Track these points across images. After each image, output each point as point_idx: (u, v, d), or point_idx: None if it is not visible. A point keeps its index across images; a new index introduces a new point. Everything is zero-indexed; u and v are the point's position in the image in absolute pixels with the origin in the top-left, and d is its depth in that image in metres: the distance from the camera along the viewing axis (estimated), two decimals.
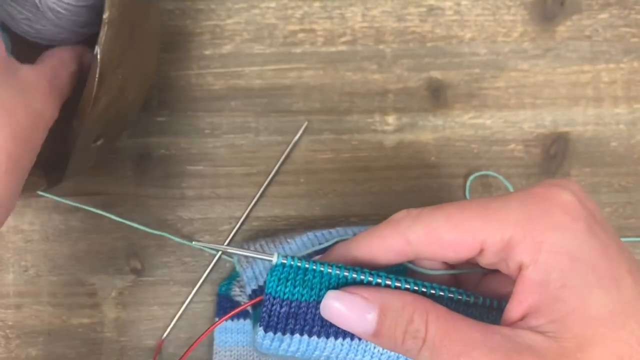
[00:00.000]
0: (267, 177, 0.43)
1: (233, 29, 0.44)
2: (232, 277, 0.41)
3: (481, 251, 0.29)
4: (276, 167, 0.43)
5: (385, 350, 0.30)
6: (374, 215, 0.44)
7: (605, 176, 0.44)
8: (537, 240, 0.27)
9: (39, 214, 0.43)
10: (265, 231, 0.43)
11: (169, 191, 0.43)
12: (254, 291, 0.37)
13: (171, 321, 0.42)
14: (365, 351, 0.30)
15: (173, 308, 0.42)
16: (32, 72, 0.33)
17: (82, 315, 0.42)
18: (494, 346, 0.26)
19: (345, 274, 0.30)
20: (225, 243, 0.42)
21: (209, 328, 0.33)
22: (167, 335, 0.42)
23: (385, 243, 0.31)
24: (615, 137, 0.45)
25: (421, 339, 0.27)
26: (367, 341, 0.30)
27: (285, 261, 0.30)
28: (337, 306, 0.29)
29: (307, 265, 0.30)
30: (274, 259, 0.30)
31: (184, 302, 0.42)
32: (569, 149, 0.45)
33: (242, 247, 0.41)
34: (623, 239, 0.44)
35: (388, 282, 0.30)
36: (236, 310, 0.33)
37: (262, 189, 0.43)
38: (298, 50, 0.44)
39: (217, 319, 0.41)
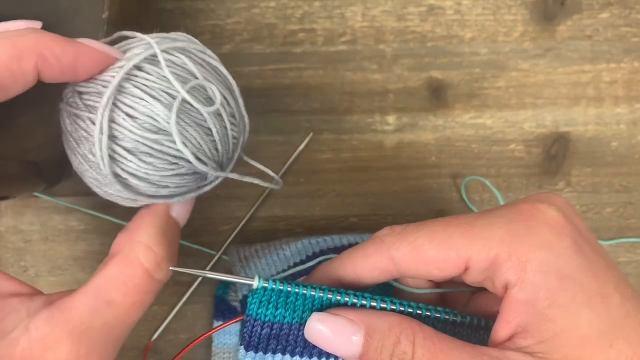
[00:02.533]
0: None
1: (233, 29, 0.44)
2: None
3: (466, 269, 0.29)
4: (281, 173, 0.43)
5: None
6: (374, 216, 0.43)
7: (606, 176, 0.44)
8: (522, 259, 0.27)
9: (39, 214, 0.43)
10: (265, 231, 0.43)
11: None
12: (244, 297, 0.37)
13: (170, 321, 0.42)
14: None
15: (172, 308, 0.42)
16: None
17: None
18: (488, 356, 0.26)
19: (329, 296, 0.30)
20: (226, 244, 0.42)
21: (196, 339, 0.33)
22: (159, 336, 0.42)
23: (369, 261, 0.30)
24: (615, 137, 0.45)
25: None
26: None
27: (266, 285, 0.30)
28: (321, 329, 0.28)
29: (289, 289, 0.30)
30: (255, 283, 0.30)
31: (183, 302, 0.42)
32: (570, 149, 0.45)
33: (237, 252, 0.40)
34: (623, 239, 0.44)
35: (373, 304, 0.29)
36: (218, 328, 0.33)
37: (263, 196, 0.43)
38: (298, 50, 0.44)
39: (214, 321, 0.41)
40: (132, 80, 0.29)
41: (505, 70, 0.45)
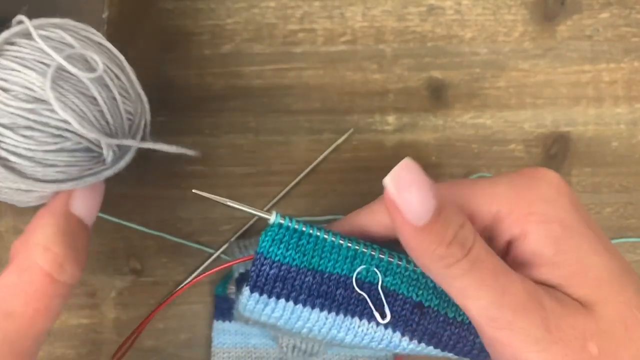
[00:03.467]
0: (266, 178, 0.43)
1: (233, 29, 0.44)
2: (228, 277, 0.41)
3: None
4: (310, 167, 0.43)
5: (369, 331, 0.30)
6: None
7: (606, 176, 0.44)
8: (525, 211, 0.28)
9: None
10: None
11: (168, 191, 0.43)
12: (241, 274, 0.37)
13: (169, 321, 0.42)
14: (349, 329, 0.30)
15: (172, 308, 0.42)
16: None
17: (81, 315, 0.42)
18: (526, 279, 0.26)
19: (341, 242, 0.30)
20: (225, 245, 0.42)
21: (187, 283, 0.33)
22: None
23: (375, 217, 0.31)
24: (616, 137, 0.45)
25: (467, 248, 0.26)
26: (351, 319, 0.30)
27: (283, 221, 0.30)
28: (406, 174, 0.26)
29: (304, 229, 0.30)
30: (272, 218, 0.30)
31: (183, 302, 0.42)
32: (570, 149, 0.45)
33: (237, 244, 0.40)
34: (623, 239, 0.44)
35: (382, 256, 0.30)
36: (225, 265, 0.32)
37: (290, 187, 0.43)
38: (298, 50, 0.44)
39: (214, 321, 0.41)
40: (3, 55, 0.27)
41: (505, 70, 0.45)
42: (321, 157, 0.43)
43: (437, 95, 0.44)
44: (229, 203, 0.30)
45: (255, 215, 0.31)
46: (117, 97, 0.29)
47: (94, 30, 0.30)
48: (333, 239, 0.30)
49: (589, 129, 0.45)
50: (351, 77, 0.44)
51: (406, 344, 0.30)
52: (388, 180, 0.25)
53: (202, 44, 0.44)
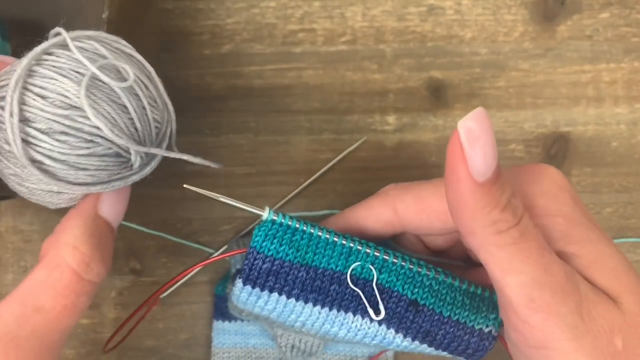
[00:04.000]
0: (266, 178, 0.43)
1: (233, 29, 0.44)
2: (227, 277, 0.41)
3: None
4: (320, 172, 0.43)
5: (362, 327, 0.30)
6: None
7: (606, 176, 0.44)
8: (527, 206, 0.27)
9: (39, 214, 0.43)
10: None
11: (168, 191, 0.43)
12: (238, 270, 0.37)
13: (169, 321, 0.42)
14: (342, 324, 0.30)
15: (172, 308, 0.42)
16: None
17: (81, 315, 0.42)
18: (564, 263, 0.26)
19: (335, 239, 0.30)
20: (225, 246, 0.42)
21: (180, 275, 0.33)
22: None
23: (373, 213, 0.31)
24: (616, 137, 0.45)
25: (518, 217, 0.25)
26: (345, 314, 0.30)
27: (276, 217, 0.30)
28: (483, 129, 0.26)
29: (297, 225, 0.30)
30: (265, 214, 0.30)
31: (183, 302, 0.42)
32: (570, 149, 0.45)
33: (237, 242, 0.41)
34: (623, 239, 0.44)
35: (377, 254, 0.30)
36: (219, 257, 0.33)
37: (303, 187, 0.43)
38: (298, 50, 0.44)
39: (214, 321, 0.41)
40: (41, 64, 0.29)
41: (505, 70, 0.45)
42: (332, 162, 0.43)
43: (437, 95, 0.44)
44: (221, 199, 0.31)
45: (247, 210, 0.31)
46: (146, 106, 0.30)
47: (125, 42, 0.31)
48: (327, 236, 0.30)
49: (589, 129, 0.45)
50: (351, 77, 0.44)
51: (400, 341, 0.31)
52: (461, 128, 0.25)
53: (202, 44, 0.44)
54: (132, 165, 0.31)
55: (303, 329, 0.31)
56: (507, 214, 0.25)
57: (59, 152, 0.28)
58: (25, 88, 0.28)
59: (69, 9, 0.34)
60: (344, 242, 0.30)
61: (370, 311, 0.30)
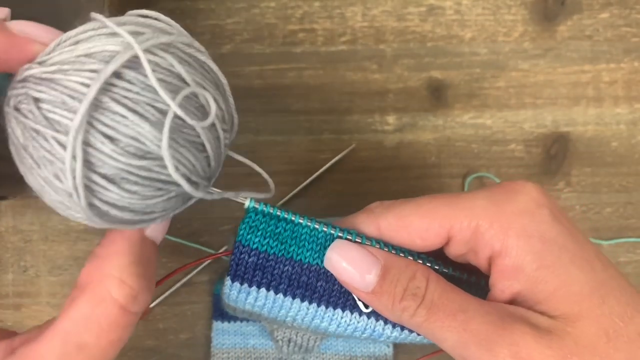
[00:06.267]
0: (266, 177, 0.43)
1: (233, 29, 0.44)
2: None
3: (449, 241, 0.29)
4: (309, 180, 0.43)
5: (352, 322, 0.31)
6: None
7: (606, 176, 0.44)
8: (504, 225, 0.28)
9: (39, 214, 0.43)
10: None
11: None
12: (226, 269, 0.37)
13: (169, 321, 0.42)
14: (332, 320, 0.31)
15: (172, 308, 0.42)
16: None
17: None
18: (489, 310, 0.27)
19: (316, 226, 0.30)
20: (224, 247, 0.42)
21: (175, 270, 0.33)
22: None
23: (358, 229, 0.31)
24: (615, 137, 0.45)
25: (420, 297, 0.28)
26: (334, 310, 0.30)
27: (257, 206, 0.30)
28: (338, 258, 0.29)
29: (278, 213, 0.30)
30: (246, 203, 0.30)
31: (183, 302, 0.42)
32: (570, 149, 0.45)
33: (230, 242, 0.41)
34: (623, 239, 0.44)
35: (367, 243, 0.30)
36: (208, 258, 0.33)
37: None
38: (298, 50, 0.44)
39: (214, 321, 0.41)
40: (109, 92, 0.23)
41: (505, 70, 0.45)
42: (319, 171, 0.43)
43: (437, 95, 0.44)
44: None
45: (232, 199, 0.30)
46: (221, 135, 0.26)
47: (197, 44, 0.27)
48: (308, 223, 0.30)
49: (588, 129, 0.45)
50: (351, 77, 0.44)
51: (390, 332, 0.31)
52: (327, 265, 0.29)
53: (202, 44, 0.44)
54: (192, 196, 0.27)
55: (295, 324, 0.31)
56: (407, 301, 0.28)
57: (127, 202, 0.24)
58: (89, 124, 0.23)
59: (69, 9, 0.34)
60: (325, 229, 0.30)
61: (360, 304, 0.30)
